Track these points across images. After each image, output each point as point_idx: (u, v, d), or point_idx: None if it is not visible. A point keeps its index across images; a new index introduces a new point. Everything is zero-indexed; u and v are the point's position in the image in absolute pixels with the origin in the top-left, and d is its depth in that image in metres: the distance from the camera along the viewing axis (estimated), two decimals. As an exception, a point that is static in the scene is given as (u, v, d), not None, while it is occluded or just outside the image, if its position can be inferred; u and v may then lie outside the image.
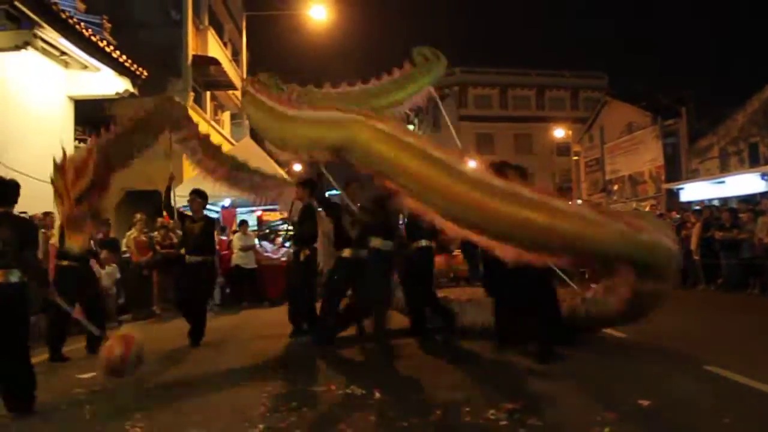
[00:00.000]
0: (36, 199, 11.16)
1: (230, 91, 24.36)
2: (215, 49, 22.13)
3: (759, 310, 9.61)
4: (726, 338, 6.79)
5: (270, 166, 13.29)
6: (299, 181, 8.45)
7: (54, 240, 9.79)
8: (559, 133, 37.69)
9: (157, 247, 11.94)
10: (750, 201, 15.80)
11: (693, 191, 26.02)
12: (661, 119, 29.90)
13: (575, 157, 39.42)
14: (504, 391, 4.94)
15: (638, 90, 33.79)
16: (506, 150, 43.14)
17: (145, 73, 14.12)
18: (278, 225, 16.91)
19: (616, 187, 34.18)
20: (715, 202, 21.24)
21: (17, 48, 10.85)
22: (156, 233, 12.26)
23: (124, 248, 12.01)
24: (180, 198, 14.12)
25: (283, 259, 13.83)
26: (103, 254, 10.60)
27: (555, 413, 4.35)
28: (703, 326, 7.11)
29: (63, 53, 12.50)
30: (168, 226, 12.42)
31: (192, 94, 19.40)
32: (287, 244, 15.64)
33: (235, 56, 26.04)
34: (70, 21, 11.38)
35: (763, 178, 20.98)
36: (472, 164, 6.41)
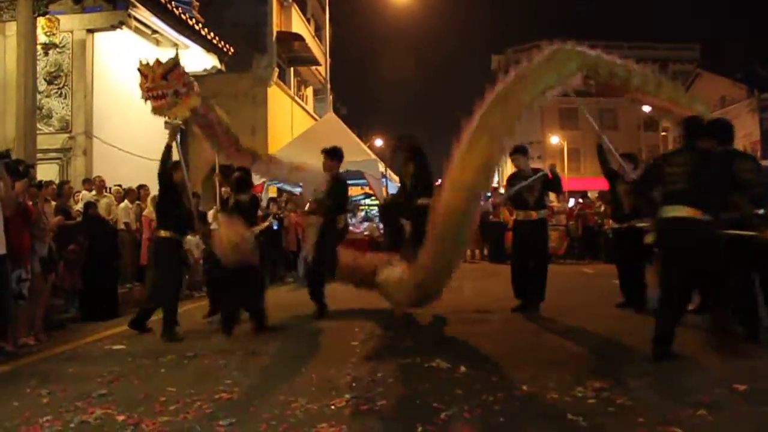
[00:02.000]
0: (131, 172, 11.71)
1: (313, 67, 24.60)
2: (299, 25, 22.38)
3: None
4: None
5: (352, 140, 13.43)
6: (325, 151, 8.28)
7: (148, 212, 10.21)
8: (647, 108, 36.31)
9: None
10: None
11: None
12: (757, 92, 28.38)
13: (663, 133, 37.95)
14: (592, 370, 4.86)
15: (733, 61, 32.13)
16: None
17: (232, 50, 14.43)
18: (361, 199, 17.07)
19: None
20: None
21: (113, 28, 11.31)
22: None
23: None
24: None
25: (366, 233, 13.98)
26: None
27: (644, 394, 4.23)
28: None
29: (155, 32, 12.91)
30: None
31: (276, 70, 19.70)
32: (369, 218, 15.85)
33: (318, 32, 26.25)
34: (162, 0, 11.72)
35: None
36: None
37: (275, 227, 12.65)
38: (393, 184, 16.22)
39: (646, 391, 4.31)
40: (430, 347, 5.78)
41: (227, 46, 14.23)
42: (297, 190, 16.19)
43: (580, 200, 20.66)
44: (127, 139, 12.33)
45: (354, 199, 17.52)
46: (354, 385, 4.58)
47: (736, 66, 30.86)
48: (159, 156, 7.11)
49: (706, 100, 29.89)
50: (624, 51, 44.39)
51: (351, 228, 14.06)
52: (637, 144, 41.27)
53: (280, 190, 16.56)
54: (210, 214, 12.47)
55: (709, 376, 4.60)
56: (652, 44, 45.52)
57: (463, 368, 4.91)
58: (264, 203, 13.75)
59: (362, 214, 15.46)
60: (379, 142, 34.44)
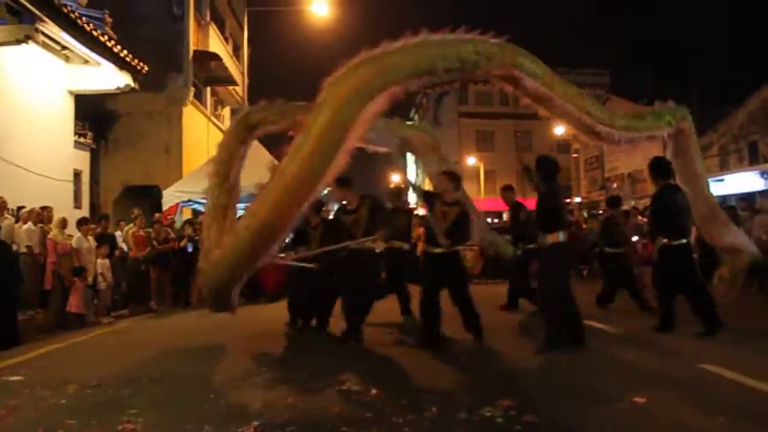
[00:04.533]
0: (35, 192, 11.25)
1: (231, 87, 24.36)
2: (216, 44, 22.15)
3: (755, 308, 9.60)
4: (721, 336, 6.81)
5: (269, 162, 13.30)
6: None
7: (53, 235, 9.84)
8: (560, 130, 37.68)
9: (155, 243, 11.93)
10: (749, 199, 15.81)
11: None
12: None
13: (575, 155, 39.44)
14: (500, 388, 4.95)
15: (639, 87, 33.79)
16: (506, 147, 43.27)
17: (146, 68, 14.14)
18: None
19: (615, 185, 34.23)
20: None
21: (18, 42, 10.87)
22: (153, 228, 12.24)
23: (121, 243, 12.01)
24: (178, 194, 14.20)
25: (282, 255, 13.83)
26: (102, 249, 10.61)
27: (551, 410, 4.37)
28: (698, 323, 7.12)
29: (64, 48, 12.54)
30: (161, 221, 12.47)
31: (192, 90, 19.41)
32: (287, 239, 15.72)
33: (236, 51, 26.05)
34: (72, 15, 11.40)
35: (762, 176, 21.01)
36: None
37: (189, 249, 12.40)
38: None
39: (554, 407, 4.46)
40: (342, 370, 5.76)
41: (141, 63, 13.93)
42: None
43: (496, 220, 21.17)
44: (31, 158, 11.84)
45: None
46: (264, 410, 4.52)
47: (643, 92, 32.45)
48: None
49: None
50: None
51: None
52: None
53: (195, 212, 16.23)
54: (119, 235, 12.17)
55: (614, 387, 4.80)
56: (566, 69, 47.33)
57: (373, 391, 4.93)
58: (178, 225, 13.48)
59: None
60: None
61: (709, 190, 7.47)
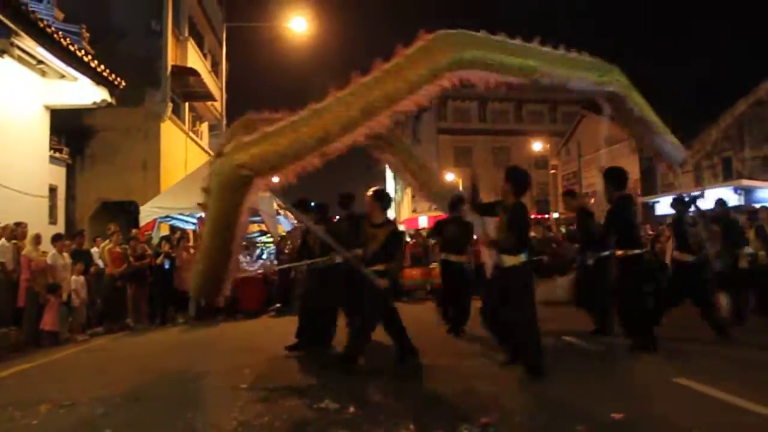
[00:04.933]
0: (9, 208, 11.09)
1: (209, 102, 24.29)
2: (195, 59, 22.09)
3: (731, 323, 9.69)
4: (696, 350, 6.87)
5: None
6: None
7: (27, 251, 9.71)
8: (537, 146, 38.02)
9: (131, 259, 11.81)
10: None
11: (668, 205, 26.31)
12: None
13: (552, 171, 39.76)
14: (478, 405, 4.94)
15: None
16: (484, 163, 43.39)
17: (123, 83, 14.06)
18: (256, 237, 16.84)
19: (592, 201, 34.45)
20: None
21: (-8, 56, 10.77)
22: (129, 245, 12.10)
23: (98, 259, 11.87)
24: (155, 210, 14.11)
25: (260, 271, 13.78)
26: (78, 265, 10.48)
27: (529, 427, 4.38)
28: (674, 338, 7.19)
29: (40, 62, 12.43)
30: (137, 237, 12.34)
31: (170, 105, 19.31)
32: (264, 256, 15.64)
33: (215, 67, 26.00)
34: (48, 30, 11.32)
35: (736, 192, 21.29)
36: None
37: (167, 266, 12.30)
38: (287, 222, 16.12)
39: (532, 423, 4.46)
40: (319, 388, 5.73)
41: (118, 79, 13.84)
42: (189, 227, 15.83)
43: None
44: (5, 173, 11.67)
45: (249, 236, 17.27)
46: (240, 429, 4.47)
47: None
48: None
49: (591, 139, 31.40)
50: (512, 91, 46.65)
51: (245, 266, 13.85)
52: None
53: (172, 228, 16.12)
54: (95, 251, 12.02)
55: (591, 403, 4.82)
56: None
57: (351, 408, 4.90)
58: (155, 241, 13.37)
59: (257, 251, 15.21)
60: (275, 179, 34.16)
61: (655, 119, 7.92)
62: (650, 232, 15.46)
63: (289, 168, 5.65)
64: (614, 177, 7.29)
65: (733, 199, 21.24)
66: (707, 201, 8.99)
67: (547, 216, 35.13)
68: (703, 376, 5.50)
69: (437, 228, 9.67)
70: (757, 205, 13.05)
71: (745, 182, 21.58)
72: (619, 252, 7.13)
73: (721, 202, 10.10)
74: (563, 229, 17.56)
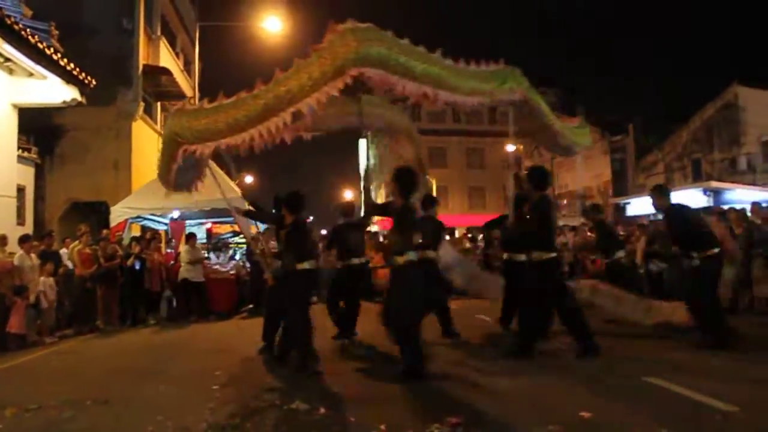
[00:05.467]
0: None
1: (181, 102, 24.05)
2: (167, 59, 21.88)
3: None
4: (667, 350, 6.96)
5: (220, 177, 13.16)
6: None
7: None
8: (511, 147, 38.20)
9: (102, 260, 11.66)
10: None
11: (639, 206, 26.60)
12: (608, 135, 30.61)
13: (525, 172, 39.98)
14: (448, 405, 4.96)
15: (588, 105, 34.57)
16: (458, 164, 43.64)
17: (94, 82, 13.86)
18: (228, 237, 16.75)
19: (564, 202, 34.80)
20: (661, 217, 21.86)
21: (-42, 54, 10.57)
22: (99, 245, 11.95)
23: (67, 260, 11.70)
24: (126, 210, 13.93)
25: (232, 272, 13.70)
26: (47, 266, 10.33)
27: (498, 426, 4.41)
28: (644, 337, 7.28)
29: (7, 60, 12.20)
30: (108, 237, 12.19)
31: (142, 104, 19.11)
32: (237, 256, 15.57)
33: (188, 66, 25.78)
34: (15, 27, 11.12)
35: (705, 194, 21.63)
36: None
37: (137, 267, 12.17)
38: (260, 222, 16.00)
39: (501, 423, 4.48)
40: (291, 389, 5.72)
41: (89, 77, 13.65)
42: (161, 228, 15.68)
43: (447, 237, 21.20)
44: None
45: (222, 237, 17.19)
46: (210, 431, 4.44)
47: (591, 110, 33.24)
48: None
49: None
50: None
51: (218, 267, 13.77)
52: (501, 182, 43.22)
53: (144, 229, 15.95)
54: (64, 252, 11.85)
55: (561, 402, 4.87)
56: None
57: (322, 410, 4.89)
58: (126, 242, 13.22)
59: (230, 252, 15.13)
60: (249, 179, 33.99)
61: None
62: (621, 233, 15.60)
63: (208, 144, 6.55)
64: (536, 177, 7.19)
65: (702, 200, 21.60)
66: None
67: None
68: (672, 374, 5.57)
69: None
70: (726, 207, 13.26)
71: (714, 184, 21.94)
72: (534, 254, 6.89)
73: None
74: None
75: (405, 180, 6.36)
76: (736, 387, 5.17)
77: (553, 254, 6.89)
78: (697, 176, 25.31)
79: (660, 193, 7.64)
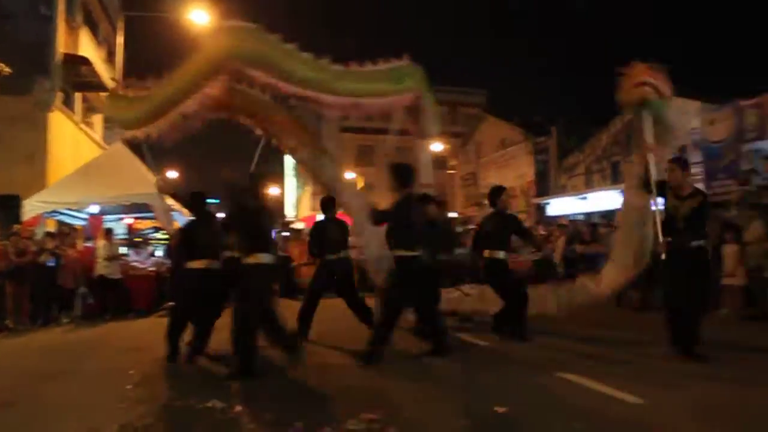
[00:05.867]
0: None
1: (103, 93, 23.32)
2: (88, 48, 21.15)
3: (614, 320, 10.19)
4: (582, 347, 7.19)
5: (142, 172, 12.85)
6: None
7: None
8: (437, 147, 38.62)
9: (12, 256, 11.19)
10: (610, 216, 16.90)
11: (559, 206, 27.38)
12: (533, 136, 31.34)
13: (451, 171, 40.54)
14: (364, 401, 4.99)
15: (514, 106, 35.40)
16: (385, 162, 43.67)
17: (8, 70, 13.30)
18: (149, 233, 16.35)
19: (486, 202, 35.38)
20: (580, 217, 22.58)
21: None
22: (9, 241, 11.46)
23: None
24: (40, 204, 13.42)
25: (152, 269, 13.39)
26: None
27: (414, 421, 4.46)
28: (561, 335, 7.51)
29: None
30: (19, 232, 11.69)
31: (61, 95, 18.42)
32: (158, 253, 15.22)
33: (111, 57, 24.98)
34: None
35: (622, 195, 22.39)
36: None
37: (51, 263, 11.75)
38: (182, 217, 15.71)
39: (417, 418, 4.54)
40: (207, 387, 5.62)
41: (2, 64, 13.09)
42: (78, 223, 15.17)
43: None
44: None
45: (143, 232, 16.76)
46: (120, 432, 4.35)
47: (516, 111, 33.95)
48: None
49: (489, 141, 32.20)
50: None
51: (137, 263, 13.43)
52: (428, 181, 43.61)
53: (60, 224, 15.37)
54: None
55: (476, 397, 4.98)
56: (444, 87, 48.62)
57: (238, 407, 4.84)
58: (39, 237, 12.73)
59: (150, 248, 14.77)
60: (171, 174, 33.20)
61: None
62: (542, 232, 16.05)
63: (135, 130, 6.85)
64: (398, 173, 7.01)
65: (619, 201, 22.31)
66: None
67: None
68: (589, 372, 5.74)
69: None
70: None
71: (631, 186, 22.69)
72: (400, 252, 6.70)
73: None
74: (460, 229, 17.86)
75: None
76: (644, 381, 5.39)
77: (417, 252, 6.69)
78: (615, 178, 26.12)
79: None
